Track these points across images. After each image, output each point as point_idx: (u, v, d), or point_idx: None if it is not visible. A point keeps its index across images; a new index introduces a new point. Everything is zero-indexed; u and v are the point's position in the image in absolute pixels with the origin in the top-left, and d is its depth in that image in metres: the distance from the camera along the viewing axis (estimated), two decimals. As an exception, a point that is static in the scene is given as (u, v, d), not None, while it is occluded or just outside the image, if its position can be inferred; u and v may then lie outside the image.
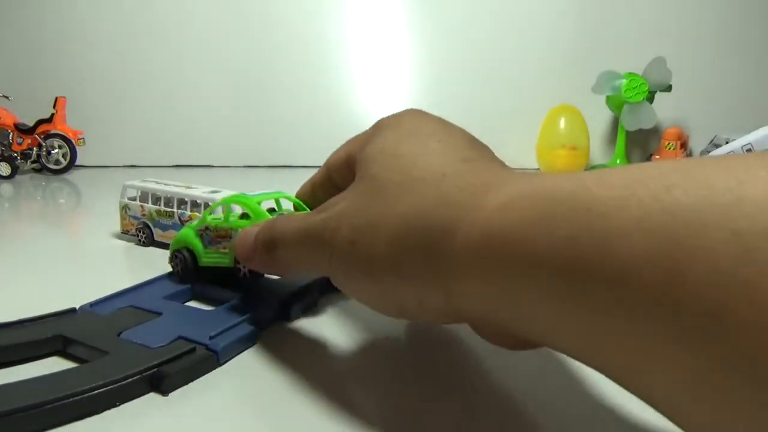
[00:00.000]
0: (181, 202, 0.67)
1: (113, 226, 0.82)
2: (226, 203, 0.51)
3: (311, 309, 0.50)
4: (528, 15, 1.46)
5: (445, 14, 1.48)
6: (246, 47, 1.49)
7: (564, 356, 0.39)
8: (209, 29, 1.49)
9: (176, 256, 0.53)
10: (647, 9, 1.45)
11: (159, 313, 0.45)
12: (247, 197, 0.51)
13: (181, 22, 1.49)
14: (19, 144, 1.34)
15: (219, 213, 0.52)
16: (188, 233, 0.53)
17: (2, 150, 1.32)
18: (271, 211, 0.52)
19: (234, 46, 1.49)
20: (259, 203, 0.50)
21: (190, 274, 0.52)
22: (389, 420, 0.33)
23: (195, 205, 0.65)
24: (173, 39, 1.49)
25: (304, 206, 0.52)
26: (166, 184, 0.71)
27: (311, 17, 1.49)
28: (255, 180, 1.30)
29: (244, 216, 0.50)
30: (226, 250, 0.49)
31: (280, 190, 0.55)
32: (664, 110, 1.41)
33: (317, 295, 0.52)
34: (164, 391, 0.35)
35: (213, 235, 0.50)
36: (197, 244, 0.51)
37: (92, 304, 0.47)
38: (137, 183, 0.72)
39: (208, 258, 0.50)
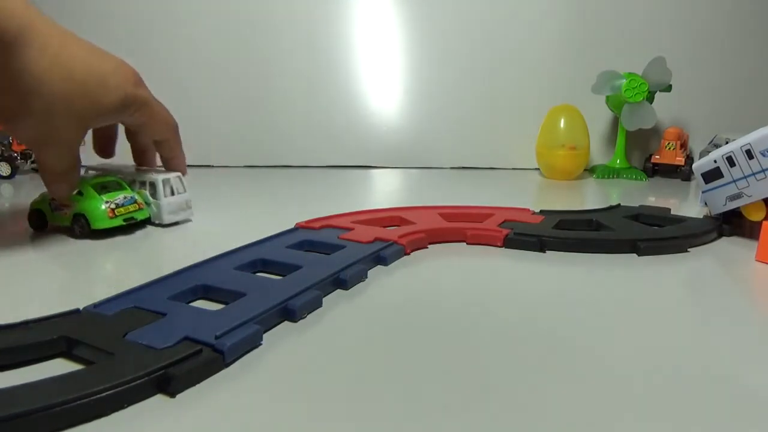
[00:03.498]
0: (132, 182, 0.82)
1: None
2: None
3: (316, 308, 0.50)
4: (528, 15, 1.46)
5: (445, 14, 1.48)
6: (246, 47, 1.49)
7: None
8: (209, 29, 1.49)
9: (33, 213, 0.78)
10: (647, 9, 1.45)
11: (163, 314, 0.45)
12: (84, 179, 0.76)
13: (180, 21, 1.49)
14: (20, 144, 1.34)
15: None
16: (42, 200, 0.77)
17: (2, 150, 1.32)
18: (103, 189, 0.76)
19: (234, 47, 1.49)
20: (92, 185, 0.75)
21: (41, 226, 0.78)
22: (395, 419, 0.33)
23: (142, 184, 0.82)
24: (173, 38, 1.49)
25: (125, 184, 0.79)
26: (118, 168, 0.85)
27: (312, 18, 1.48)
28: (255, 180, 1.30)
29: (78, 193, 0.74)
30: (66, 215, 0.75)
31: (113, 175, 0.80)
32: (664, 110, 1.42)
33: (322, 294, 0.52)
34: (172, 393, 0.35)
35: (58, 204, 0.75)
36: (47, 209, 0.76)
37: (96, 305, 0.47)
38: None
39: (54, 219, 0.76)
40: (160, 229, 0.80)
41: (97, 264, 0.66)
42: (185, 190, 0.83)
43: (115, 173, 0.82)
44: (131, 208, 0.76)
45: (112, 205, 0.73)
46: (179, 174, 0.83)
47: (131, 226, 0.77)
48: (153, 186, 0.80)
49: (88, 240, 0.74)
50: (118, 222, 0.74)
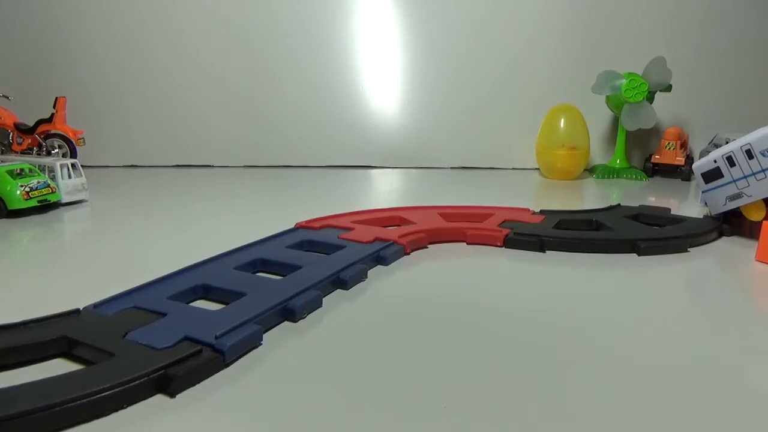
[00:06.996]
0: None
1: (112, 225, 0.83)
2: None
3: (316, 308, 0.50)
4: (528, 16, 1.46)
5: (446, 16, 1.48)
6: (246, 49, 1.49)
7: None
8: (210, 30, 1.49)
9: None
10: (647, 9, 1.45)
11: (163, 314, 0.45)
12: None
13: (181, 22, 1.49)
14: (19, 144, 1.34)
15: None
16: None
17: (2, 150, 1.31)
18: (18, 175, 0.87)
19: (234, 48, 1.49)
20: (7, 171, 0.86)
21: None
22: (395, 418, 0.33)
23: (42, 168, 0.94)
24: (174, 39, 1.49)
25: (39, 172, 0.91)
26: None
27: (311, 20, 1.49)
28: (255, 180, 1.30)
29: None
30: None
31: (24, 162, 0.91)
32: (664, 110, 1.42)
33: (322, 294, 0.52)
34: (172, 393, 0.35)
35: None
36: None
37: (96, 305, 0.47)
38: None
39: None
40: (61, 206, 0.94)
41: (97, 263, 0.66)
42: (82, 175, 0.97)
43: (27, 161, 0.94)
44: (44, 191, 0.88)
45: (27, 189, 0.86)
46: (76, 160, 0.97)
47: (45, 206, 0.90)
48: (52, 170, 0.93)
49: (88, 238, 0.76)
50: (33, 203, 0.86)
